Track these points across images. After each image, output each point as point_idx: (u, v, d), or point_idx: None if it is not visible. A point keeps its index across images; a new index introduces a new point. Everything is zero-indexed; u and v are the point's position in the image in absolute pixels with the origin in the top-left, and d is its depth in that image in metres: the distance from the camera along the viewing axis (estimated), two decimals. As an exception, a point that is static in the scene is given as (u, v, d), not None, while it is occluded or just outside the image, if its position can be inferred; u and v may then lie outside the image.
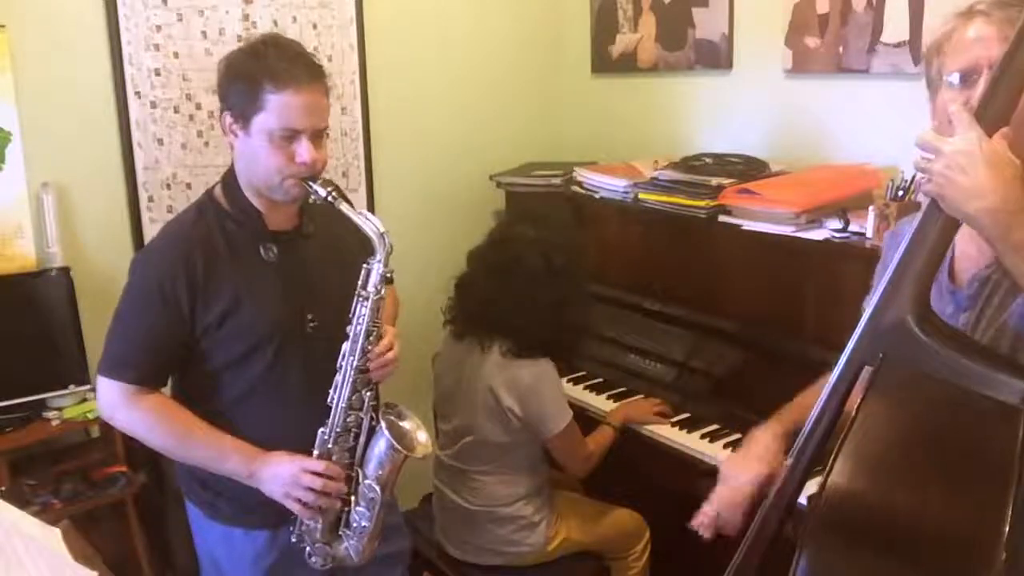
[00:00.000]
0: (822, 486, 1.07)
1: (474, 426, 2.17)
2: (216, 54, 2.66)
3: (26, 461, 2.40)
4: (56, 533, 1.15)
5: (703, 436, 2.19)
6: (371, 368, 1.65)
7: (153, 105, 2.59)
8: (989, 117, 1.03)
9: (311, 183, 1.57)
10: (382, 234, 1.58)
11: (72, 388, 2.39)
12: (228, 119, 1.59)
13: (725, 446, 2.13)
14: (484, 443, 2.17)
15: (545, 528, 2.23)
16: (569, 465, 2.25)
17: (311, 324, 1.68)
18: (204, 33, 2.64)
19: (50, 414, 2.37)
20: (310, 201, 1.61)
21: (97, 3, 2.47)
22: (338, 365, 1.63)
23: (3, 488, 2.25)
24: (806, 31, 2.49)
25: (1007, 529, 0.91)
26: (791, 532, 1.20)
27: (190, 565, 2.62)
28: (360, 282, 1.61)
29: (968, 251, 1.22)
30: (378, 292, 1.60)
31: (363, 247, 1.62)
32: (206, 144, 2.69)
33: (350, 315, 1.62)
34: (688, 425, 2.25)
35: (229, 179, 1.68)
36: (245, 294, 1.62)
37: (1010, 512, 0.91)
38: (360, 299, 1.61)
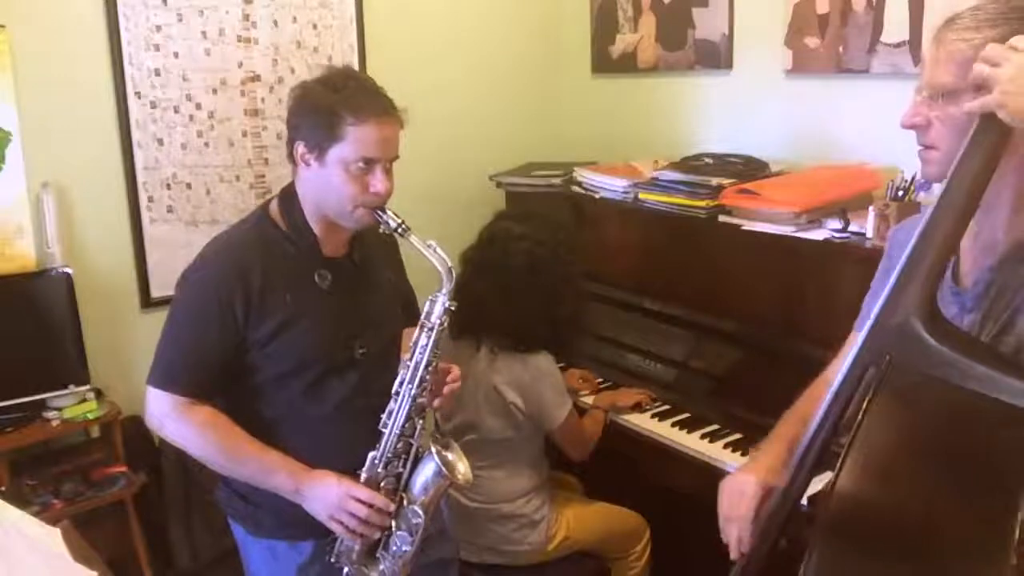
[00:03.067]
0: (831, 489, 1.06)
1: (476, 423, 2.17)
2: (216, 54, 2.67)
3: (26, 461, 2.40)
4: (56, 533, 1.15)
5: (703, 436, 2.19)
6: (441, 395, 1.70)
7: (153, 105, 2.59)
8: None
9: (381, 213, 1.62)
10: (450, 268, 1.63)
11: (72, 388, 2.39)
12: (301, 148, 1.60)
13: (725, 446, 2.13)
14: (487, 440, 2.17)
15: (546, 527, 2.23)
16: (571, 451, 2.27)
17: (360, 351, 1.70)
18: (204, 33, 2.64)
19: (50, 414, 2.37)
20: (379, 231, 1.65)
21: (97, 3, 2.47)
22: (394, 391, 1.65)
23: (3, 488, 2.26)
24: (806, 31, 2.49)
25: (1017, 534, 0.90)
26: (795, 535, 1.19)
27: (190, 565, 2.63)
28: (424, 312, 1.65)
29: (972, 251, 1.21)
30: (441, 324, 1.64)
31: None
32: (206, 144, 2.69)
33: (411, 344, 1.64)
34: (688, 425, 2.25)
35: (289, 198, 1.68)
36: (295, 318, 1.64)
37: (1020, 517, 0.91)
38: (424, 329, 1.64)
